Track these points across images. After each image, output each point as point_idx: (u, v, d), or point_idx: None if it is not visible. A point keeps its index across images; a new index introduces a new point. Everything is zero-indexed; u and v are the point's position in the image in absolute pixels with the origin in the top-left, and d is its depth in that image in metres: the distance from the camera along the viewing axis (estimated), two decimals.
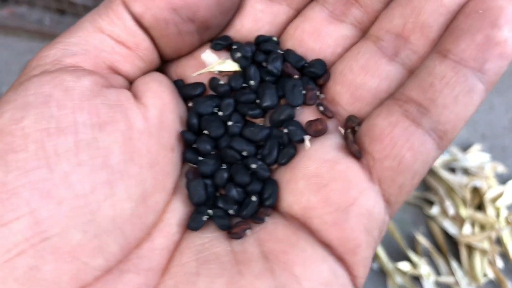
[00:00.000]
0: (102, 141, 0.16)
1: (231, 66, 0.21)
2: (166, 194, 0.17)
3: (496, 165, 0.84)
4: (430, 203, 0.80)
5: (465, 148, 0.88)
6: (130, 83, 0.19)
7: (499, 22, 0.17)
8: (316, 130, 0.19)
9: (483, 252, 0.73)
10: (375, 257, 0.74)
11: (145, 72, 0.20)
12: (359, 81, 0.19)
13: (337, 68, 0.20)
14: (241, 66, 0.21)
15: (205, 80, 0.21)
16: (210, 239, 0.17)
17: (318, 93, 0.20)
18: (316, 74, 0.20)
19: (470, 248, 0.74)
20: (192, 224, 0.17)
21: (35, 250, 0.14)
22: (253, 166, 0.18)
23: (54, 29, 0.81)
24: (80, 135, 0.15)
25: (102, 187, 0.15)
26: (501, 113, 0.95)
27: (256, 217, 0.18)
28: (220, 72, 0.21)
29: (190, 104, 0.21)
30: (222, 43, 0.21)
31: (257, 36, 0.21)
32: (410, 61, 0.19)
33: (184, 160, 0.19)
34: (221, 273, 0.16)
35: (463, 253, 0.74)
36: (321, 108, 0.20)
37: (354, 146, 0.18)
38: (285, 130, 0.19)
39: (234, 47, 0.21)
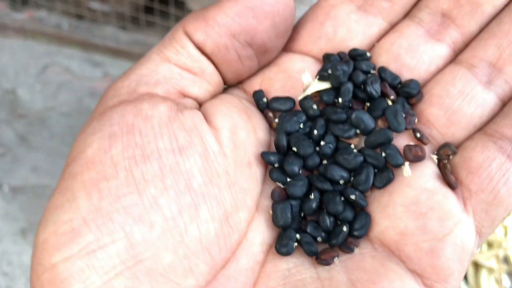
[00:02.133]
0: (183, 165, 0.16)
1: (326, 85, 0.21)
2: (248, 212, 0.18)
3: None
4: None
5: None
6: (200, 105, 0.20)
7: None
8: (416, 156, 0.19)
9: (490, 270, 0.72)
10: None
11: (213, 95, 0.20)
12: (456, 106, 0.20)
13: (433, 90, 0.20)
14: (338, 84, 0.20)
15: (292, 94, 0.21)
16: (296, 265, 0.18)
17: (415, 119, 0.20)
18: (410, 94, 0.20)
19: (477, 266, 0.74)
20: (283, 250, 0.17)
21: (130, 272, 0.15)
22: (352, 197, 0.18)
23: (72, 34, 0.83)
24: (163, 160, 0.16)
25: (188, 210, 0.16)
26: None
27: (345, 246, 0.18)
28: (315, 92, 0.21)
29: (276, 120, 0.20)
30: (326, 74, 0.21)
31: (352, 49, 0.21)
32: (503, 91, 0.20)
33: (270, 178, 0.19)
34: None
35: (470, 270, 0.74)
36: (418, 135, 0.20)
37: (451, 178, 0.18)
38: (383, 154, 0.19)
39: (329, 67, 0.21)
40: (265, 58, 0.20)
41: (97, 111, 0.18)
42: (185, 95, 0.19)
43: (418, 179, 0.18)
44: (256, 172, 0.18)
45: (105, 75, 0.82)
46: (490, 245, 0.76)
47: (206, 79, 0.19)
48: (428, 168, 0.19)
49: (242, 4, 0.19)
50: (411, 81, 0.21)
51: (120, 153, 0.16)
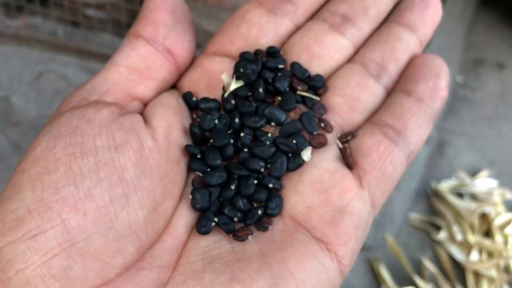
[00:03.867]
0: (118, 160, 0.19)
1: (241, 83, 0.24)
2: (174, 201, 0.21)
3: (505, 191, 0.83)
4: (437, 228, 0.79)
5: (473, 173, 0.87)
6: (145, 105, 0.23)
7: (441, 75, 0.24)
8: (319, 143, 0.23)
9: (491, 280, 0.72)
10: (382, 282, 0.73)
11: (160, 90, 0.23)
12: (355, 95, 0.24)
13: (335, 83, 0.25)
14: (249, 81, 0.24)
15: (214, 92, 0.24)
16: (214, 242, 0.20)
17: (324, 112, 0.24)
18: (316, 86, 0.24)
19: (478, 275, 0.73)
20: (202, 229, 0.20)
21: (66, 253, 0.17)
22: (270, 185, 0.21)
23: (68, 41, 0.82)
24: (99, 156, 0.19)
25: (119, 199, 0.18)
26: (509, 140, 0.95)
27: (261, 225, 0.21)
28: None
29: (195, 116, 0.24)
30: (240, 74, 0.24)
31: (269, 47, 0.25)
32: (388, 83, 0.25)
33: (190, 169, 0.22)
34: (224, 270, 0.19)
35: (470, 280, 0.73)
36: (322, 125, 0.24)
37: (350, 159, 0.22)
38: (294, 141, 0.23)
39: (241, 66, 0.24)
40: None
41: (53, 116, 0.21)
42: (132, 97, 0.22)
43: (322, 161, 0.22)
44: (183, 167, 0.21)
45: None
46: (490, 254, 0.75)
47: (152, 76, 0.22)
48: (331, 152, 0.23)
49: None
50: (317, 75, 0.25)
51: (62, 150, 0.19)
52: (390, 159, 0.22)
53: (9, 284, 0.17)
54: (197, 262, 0.19)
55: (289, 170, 0.22)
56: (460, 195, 0.83)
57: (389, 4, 0.27)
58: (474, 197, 0.82)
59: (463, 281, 0.73)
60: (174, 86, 0.25)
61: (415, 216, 0.82)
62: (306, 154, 0.23)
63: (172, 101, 0.23)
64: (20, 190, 0.18)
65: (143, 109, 0.22)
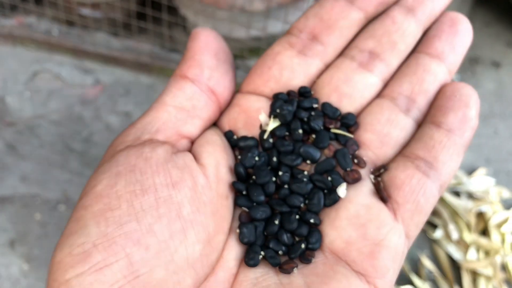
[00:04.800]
0: (175, 197, 0.20)
1: (278, 122, 0.26)
2: (225, 235, 0.22)
3: (501, 190, 0.84)
4: (435, 226, 0.79)
5: (469, 172, 0.87)
6: (191, 142, 0.24)
7: (470, 104, 0.25)
8: (354, 178, 0.24)
9: (488, 279, 0.72)
10: None
11: (204, 128, 0.25)
12: (386, 131, 0.25)
13: (366, 119, 0.26)
14: (285, 121, 0.25)
15: (251, 130, 0.26)
16: (262, 274, 0.22)
17: (356, 148, 0.25)
18: (349, 124, 0.25)
19: (475, 274, 0.73)
20: (251, 262, 0.22)
21: (131, 285, 0.18)
22: (311, 220, 0.23)
23: (62, 40, 0.81)
24: (158, 193, 0.20)
25: (178, 234, 0.20)
26: (506, 138, 0.95)
27: (304, 258, 0.22)
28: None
29: (238, 155, 0.25)
30: (277, 113, 0.26)
31: (301, 87, 0.26)
32: (418, 116, 0.26)
33: (236, 205, 0.23)
34: None
35: (466, 278, 0.73)
36: (356, 161, 0.25)
37: (384, 193, 0.23)
38: (329, 178, 0.24)
39: (277, 106, 0.25)
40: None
41: (108, 154, 0.22)
42: (181, 135, 0.23)
43: (358, 196, 0.23)
44: (230, 202, 0.23)
45: (96, 82, 0.81)
46: (487, 252, 0.75)
47: (197, 115, 0.24)
48: (365, 187, 0.24)
49: (202, 37, 0.25)
50: (349, 114, 0.26)
51: (123, 188, 0.20)
52: (423, 192, 0.23)
53: None
54: None
55: (326, 206, 0.23)
56: (457, 193, 0.83)
57: (417, 35, 0.27)
58: (470, 195, 0.82)
59: (461, 279, 0.73)
60: (214, 123, 0.27)
61: None
62: (342, 190, 0.24)
63: (217, 139, 0.24)
64: (85, 225, 0.19)
65: (191, 147, 0.24)
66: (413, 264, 0.76)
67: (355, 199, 0.23)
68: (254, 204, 0.23)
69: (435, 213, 0.80)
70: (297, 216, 0.23)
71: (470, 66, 1.10)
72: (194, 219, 0.20)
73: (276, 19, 0.73)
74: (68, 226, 0.20)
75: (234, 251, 0.22)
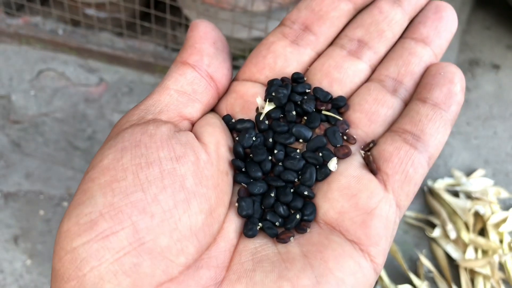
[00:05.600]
0: (179, 169, 0.21)
1: (273, 105, 0.27)
2: (225, 208, 0.23)
3: (499, 190, 0.84)
4: (433, 226, 0.80)
5: (468, 173, 0.88)
6: (192, 125, 0.25)
7: (455, 81, 0.26)
8: (344, 153, 0.25)
9: (486, 278, 0.72)
10: (378, 279, 0.74)
11: (204, 112, 0.26)
12: (373, 109, 0.26)
13: (354, 100, 0.27)
14: (280, 104, 0.27)
15: (248, 114, 0.28)
16: (260, 244, 0.23)
17: (346, 127, 0.27)
18: (339, 106, 0.27)
19: (473, 273, 0.74)
20: (249, 233, 0.23)
21: (136, 252, 0.19)
22: (305, 192, 0.24)
23: (67, 40, 0.83)
24: (163, 166, 0.21)
25: (182, 204, 0.21)
26: (504, 139, 0.96)
27: (300, 228, 0.23)
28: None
29: (236, 137, 0.26)
30: (272, 97, 0.27)
31: (294, 73, 0.28)
32: (405, 96, 0.27)
33: (235, 181, 0.25)
34: (272, 269, 0.21)
35: (464, 277, 0.74)
36: (345, 137, 0.26)
37: (373, 165, 0.24)
38: (320, 154, 0.25)
39: (272, 90, 0.27)
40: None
41: (113, 132, 0.23)
42: (182, 117, 0.24)
43: (348, 170, 0.24)
44: (230, 178, 0.24)
45: (100, 81, 0.82)
46: (485, 252, 0.76)
47: (198, 98, 0.25)
48: (356, 161, 0.25)
49: (201, 27, 0.27)
50: (339, 96, 0.27)
51: (129, 161, 0.21)
52: (411, 163, 0.24)
53: (84, 280, 0.19)
54: (248, 262, 0.22)
55: (318, 180, 0.25)
56: (455, 194, 0.84)
57: (403, 23, 0.28)
58: (469, 195, 0.83)
59: (460, 278, 0.74)
60: (212, 109, 0.28)
61: (411, 214, 0.82)
62: (332, 164, 0.25)
63: (217, 121, 0.26)
64: (92, 196, 0.20)
65: (191, 128, 0.25)
66: (412, 263, 0.76)
67: (346, 171, 0.24)
68: (252, 180, 0.24)
69: (434, 212, 0.81)
70: (292, 190, 0.24)
71: (470, 68, 1.11)
72: (197, 190, 0.21)
73: (277, 20, 0.74)
74: (75, 197, 0.21)
75: (234, 223, 0.23)
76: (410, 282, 0.73)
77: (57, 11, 0.81)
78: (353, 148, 0.25)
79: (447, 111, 0.25)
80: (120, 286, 0.19)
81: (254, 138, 0.26)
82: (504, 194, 0.84)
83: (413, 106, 0.26)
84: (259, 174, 0.25)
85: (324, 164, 0.25)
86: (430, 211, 0.83)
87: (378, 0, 0.29)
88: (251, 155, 0.25)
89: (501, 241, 0.77)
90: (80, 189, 0.21)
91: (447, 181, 0.86)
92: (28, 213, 0.78)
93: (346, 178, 0.24)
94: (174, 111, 0.24)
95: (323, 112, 0.27)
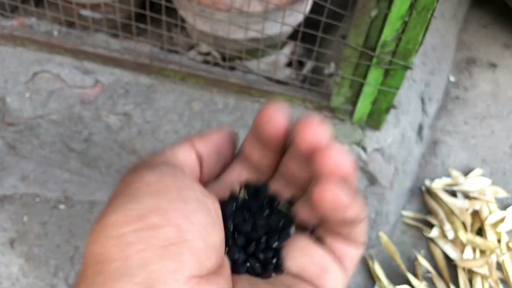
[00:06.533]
0: (207, 202, 0.25)
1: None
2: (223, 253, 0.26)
3: (497, 189, 0.84)
4: (431, 226, 0.80)
5: (466, 172, 0.88)
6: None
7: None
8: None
9: (484, 277, 0.72)
10: (376, 280, 0.74)
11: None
12: None
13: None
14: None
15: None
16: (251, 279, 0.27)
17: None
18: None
19: (471, 273, 0.74)
20: (240, 269, 0.27)
21: (178, 246, 0.22)
22: (274, 245, 0.28)
23: (63, 41, 0.82)
24: (197, 194, 0.25)
25: (210, 225, 0.24)
26: (502, 138, 0.96)
27: (266, 276, 0.27)
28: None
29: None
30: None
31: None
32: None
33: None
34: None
35: (461, 277, 0.74)
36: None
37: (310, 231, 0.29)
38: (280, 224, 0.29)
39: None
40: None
41: (139, 167, 0.26)
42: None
43: (301, 241, 0.28)
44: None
45: (96, 83, 0.82)
46: (483, 252, 0.76)
47: (196, 177, 0.28)
48: (304, 236, 0.28)
49: (223, 135, 0.29)
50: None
51: (171, 181, 0.24)
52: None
53: (130, 260, 0.21)
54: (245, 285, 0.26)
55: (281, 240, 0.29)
56: (453, 193, 0.84)
57: None
58: (467, 195, 0.83)
59: (458, 278, 0.74)
60: None
61: (409, 214, 0.82)
62: (292, 229, 0.29)
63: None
64: (138, 197, 0.23)
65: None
66: (410, 263, 0.76)
67: (300, 241, 0.28)
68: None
69: (431, 212, 0.81)
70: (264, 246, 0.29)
71: (467, 67, 1.11)
72: (218, 222, 0.25)
73: (273, 21, 0.74)
74: (118, 199, 0.23)
75: (227, 263, 0.27)
76: (408, 282, 0.73)
77: (51, 12, 0.81)
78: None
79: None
80: (166, 269, 0.21)
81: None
82: (502, 193, 0.84)
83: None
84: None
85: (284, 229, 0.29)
86: (428, 211, 0.83)
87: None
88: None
89: (499, 241, 0.77)
90: (122, 193, 0.23)
91: (444, 180, 0.86)
92: (25, 216, 0.78)
93: (301, 242, 0.28)
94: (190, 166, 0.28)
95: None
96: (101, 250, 0.21)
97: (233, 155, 0.31)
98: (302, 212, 0.29)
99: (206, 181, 0.30)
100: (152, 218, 0.22)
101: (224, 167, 0.31)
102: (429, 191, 0.85)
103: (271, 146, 0.29)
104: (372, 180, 0.77)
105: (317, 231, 0.29)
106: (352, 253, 0.28)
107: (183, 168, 0.27)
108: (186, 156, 0.28)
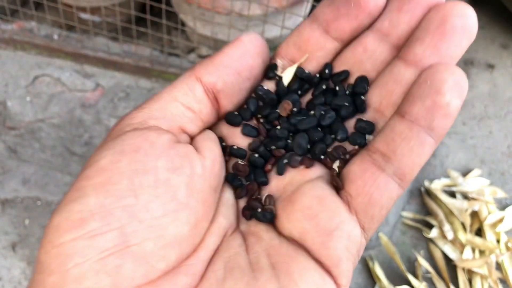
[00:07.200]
0: (173, 180, 0.22)
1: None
2: (208, 222, 0.24)
3: (496, 190, 0.85)
4: (431, 226, 0.80)
5: (465, 173, 0.88)
6: (192, 138, 0.26)
7: (443, 90, 0.23)
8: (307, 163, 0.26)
9: (484, 277, 0.73)
10: (377, 280, 0.74)
11: (202, 129, 0.26)
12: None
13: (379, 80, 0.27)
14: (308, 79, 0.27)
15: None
16: (234, 254, 0.24)
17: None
18: (361, 92, 0.27)
19: (471, 273, 0.74)
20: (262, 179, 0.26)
21: (120, 254, 0.20)
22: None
23: (63, 45, 0.82)
24: (159, 175, 0.22)
25: (171, 214, 0.21)
26: (500, 139, 0.97)
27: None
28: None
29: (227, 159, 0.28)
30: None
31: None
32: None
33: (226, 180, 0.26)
34: (241, 278, 0.22)
35: (461, 278, 0.74)
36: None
37: (337, 181, 0.24)
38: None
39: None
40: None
41: (113, 133, 0.23)
42: (183, 131, 0.25)
43: (312, 190, 0.24)
44: (217, 196, 0.25)
45: (96, 86, 0.82)
46: (482, 252, 0.76)
47: (201, 118, 0.25)
48: (321, 181, 0.25)
49: (242, 48, 0.25)
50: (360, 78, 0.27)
51: (126, 165, 0.21)
52: (376, 185, 0.23)
53: (66, 275, 0.20)
54: (220, 270, 0.23)
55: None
56: (452, 194, 0.84)
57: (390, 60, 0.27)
58: (466, 196, 0.84)
59: (457, 279, 0.74)
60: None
61: (409, 215, 0.83)
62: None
63: (216, 139, 0.26)
64: (85, 195, 0.21)
65: (190, 142, 0.26)
66: (410, 264, 0.77)
67: (310, 192, 0.24)
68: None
69: (431, 213, 0.82)
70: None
71: (465, 68, 1.11)
72: (187, 202, 0.22)
73: (273, 24, 0.74)
74: (68, 194, 0.21)
75: (213, 237, 0.24)
76: (408, 283, 0.73)
77: (51, 16, 0.81)
78: (319, 168, 0.26)
79: (429, 127, 0.23)
80: (100, 285, 0.20)
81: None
82: (500, 193, 0.85)
83: (390, 122, 0.24)
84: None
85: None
86: (427, 212, 0.83)
87: (364, 36, 0.27)
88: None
89: (498, 241, 0.77)
90: (74, 186, 0.21)
91: (443, 181, 0.86)
92: (26, 220, 0.78)
93: (308, 198, 0.24)
94: (178, 123, 0.25)
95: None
96: (44, 258, 0.20)
97: (266, 61, 0.26)
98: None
99: (234, 108, 0.26)
100: (92, 224, 0.20)
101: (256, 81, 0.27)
102: (428, 192, 0.85)
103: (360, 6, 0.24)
104: None
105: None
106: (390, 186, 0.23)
107: (171, 123, 0.24)
108: (186, 98, 0.25)
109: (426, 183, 0.86)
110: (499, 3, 1.20)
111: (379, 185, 0.23)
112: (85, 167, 0.22)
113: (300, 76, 0.27)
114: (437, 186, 0.85)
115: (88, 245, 0.20)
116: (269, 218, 0.25)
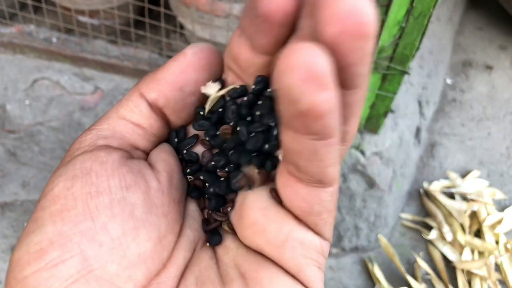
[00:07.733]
0: (129, 198, 0.22)
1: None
2: (175, 236, 0.23)
3: (495, 191, 0.85)
4: (430, 228, 0.80)
5: (463, 174, 0.89)
6: (146, 154, 0.26)
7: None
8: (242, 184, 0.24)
9: (483, 279, 0.73)
10: (376, 282, 0.74)
11: (158, 143, 0.26)
12: None
13: None
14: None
15: None
16: (205, 267, 0.24)
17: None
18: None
19: (470, 274, 0.74)
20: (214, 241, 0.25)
21: (84, 279, 0.20)
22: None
23: (62, 48, 0.82)
24: (113, 195, 0.22)
25: (130, 232, 0.21)
26: (499, 140, 0.97)
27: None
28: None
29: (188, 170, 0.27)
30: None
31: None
32: None
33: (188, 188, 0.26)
34: None
35: (460, 279, 0.74)
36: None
37: (273, 195, 0.23)
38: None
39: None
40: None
41: (65, 160, 0.23)
42: (135, 147, 0.25)
43: (256, 202, 0.23)
44: (182, 207, 0.24)
45: (95, 89, 0.82)
46: (481, 253, 0.77)
47: (153, 133, 0.25)
48: (265, 190, 0.24)
49: (184, 62, 0.24)
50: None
51: (79, 190, 0.21)
52: (301, 199, 0.22)
53: None
54: (192, 286, 0.23)
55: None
56: (451, 195, 0.85)
57: None
58: (464, 197, 0.84)
59: (457, 280, 0.74)
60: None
61: (408, 217, 0.83)
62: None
63: (171, 150, 0.26)
64: (42, 225, 0.21)
65: (145, 157, 0.25)
66: (409, 265, 0.77)
67: (253, 204, 0.23)
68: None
69: (430, 215, 0.82)
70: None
71: (464, 69, 1.11)
72: (146, 219, 0.22)
73: None
74: (27, 226, 0.21)
75: (183, 251, 0.23)
76: (407, 284, 0.73)
77: (50, 19, 0.81)
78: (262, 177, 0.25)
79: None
80: None
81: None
82: (499, 195, 0.85)
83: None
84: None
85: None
86: (427, 213, 0.83)
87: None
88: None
89: (497, 242, 0.77)
90: (32, 218, 0.22)
91: (442, 183, 0.86)
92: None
93: (254, 212, 0.23)
94: (128, 140, 0.24)
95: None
96: None
97: (216, 72, 0.25)
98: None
99: (184, 122, 0.25)
100: (52, 253, 0.20)
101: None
102: (427, 194, 0.85)
103: (273, 28, 0.20)
104: (370, 183, 0.77)
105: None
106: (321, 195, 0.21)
107: (121, 141, 0.24)
108: (132, 116, 0.24)
109: (425, 185, 0.86)
110: (497, 5, 1.20)
111: (304, 197, 0.22)
112: (40, 197, 0.22)
113: (232, 97, 0.25)
114: (436, 187, 0.85)
115: (51, 275, 0.20)
116: (216, 242, 0.24)
